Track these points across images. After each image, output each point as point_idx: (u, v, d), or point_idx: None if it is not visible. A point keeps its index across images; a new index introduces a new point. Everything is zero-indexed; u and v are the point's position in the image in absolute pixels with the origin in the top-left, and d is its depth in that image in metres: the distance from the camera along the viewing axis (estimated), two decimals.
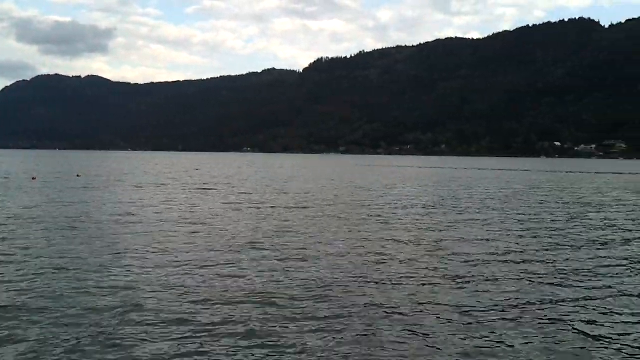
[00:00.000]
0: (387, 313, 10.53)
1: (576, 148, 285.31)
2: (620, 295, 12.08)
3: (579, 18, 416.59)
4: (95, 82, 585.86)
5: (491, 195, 39.79)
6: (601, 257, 16.47)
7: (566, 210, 29.94)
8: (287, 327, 9.64)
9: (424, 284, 12.77)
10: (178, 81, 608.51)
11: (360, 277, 13.39)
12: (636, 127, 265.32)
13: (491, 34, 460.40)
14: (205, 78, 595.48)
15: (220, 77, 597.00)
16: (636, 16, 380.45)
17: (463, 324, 9.97)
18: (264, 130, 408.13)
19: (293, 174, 71.47)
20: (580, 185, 54.51)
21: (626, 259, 16.27)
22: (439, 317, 10.32)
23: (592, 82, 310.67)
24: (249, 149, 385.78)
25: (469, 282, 13.07)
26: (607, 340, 9.34)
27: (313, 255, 15.96)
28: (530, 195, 40.66)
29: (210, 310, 10.46)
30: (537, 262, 15.57)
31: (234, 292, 11.75)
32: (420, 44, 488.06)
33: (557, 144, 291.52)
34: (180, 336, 9.13)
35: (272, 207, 29.26)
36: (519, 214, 27.65)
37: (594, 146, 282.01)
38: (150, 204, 29.62)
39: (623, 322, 10.29)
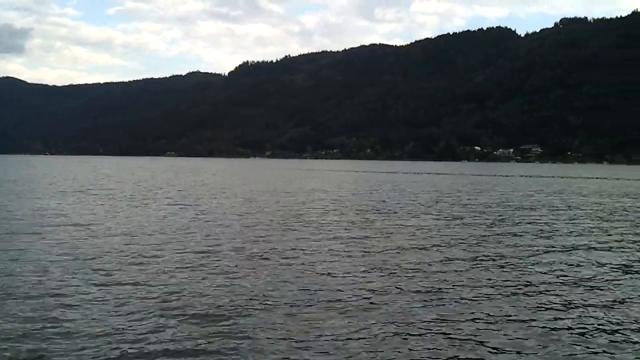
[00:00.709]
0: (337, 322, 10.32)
1: (495, 152, 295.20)
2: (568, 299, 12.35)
3: (497, 27, 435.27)
4: (11, 84, 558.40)
5: (420, 198, 40.37)
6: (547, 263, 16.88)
7: (494, 212, 30.71)
8: (231, 342, 9.29)
9: (361, 294, 12.65)
10: (99, 83, 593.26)
11: (300, 287, 13.15)
12: (551, 132, 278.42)
13: (413, 41, 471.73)
14: (127, 80, 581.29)
15: (144, 79, 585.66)
16: (550, 26, 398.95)
17: (409, 334, 9.91)
18: (188, 133, 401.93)
19: (222, 180, 70.57)
20: (501, 188, 56.21)
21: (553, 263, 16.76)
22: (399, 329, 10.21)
23: (510, 88, 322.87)
24: (173, 152, 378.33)
25: (412, 292, 13.05)
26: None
27: (246, 265, 15.60)
28: (456, 198, 41.54)
29: (145, 325, 9.92)
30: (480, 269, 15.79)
31: (168, 306, 11.24)
32: (345, 49, 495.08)
33: (477, 148, 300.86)
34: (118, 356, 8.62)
35: (203, 213, 28.61)
36: (448, 218, 28.14)
37: (511, 150, 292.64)
38: (71, 212, 28.30)
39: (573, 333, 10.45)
